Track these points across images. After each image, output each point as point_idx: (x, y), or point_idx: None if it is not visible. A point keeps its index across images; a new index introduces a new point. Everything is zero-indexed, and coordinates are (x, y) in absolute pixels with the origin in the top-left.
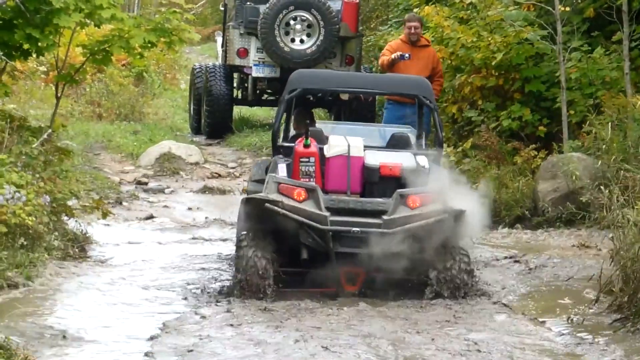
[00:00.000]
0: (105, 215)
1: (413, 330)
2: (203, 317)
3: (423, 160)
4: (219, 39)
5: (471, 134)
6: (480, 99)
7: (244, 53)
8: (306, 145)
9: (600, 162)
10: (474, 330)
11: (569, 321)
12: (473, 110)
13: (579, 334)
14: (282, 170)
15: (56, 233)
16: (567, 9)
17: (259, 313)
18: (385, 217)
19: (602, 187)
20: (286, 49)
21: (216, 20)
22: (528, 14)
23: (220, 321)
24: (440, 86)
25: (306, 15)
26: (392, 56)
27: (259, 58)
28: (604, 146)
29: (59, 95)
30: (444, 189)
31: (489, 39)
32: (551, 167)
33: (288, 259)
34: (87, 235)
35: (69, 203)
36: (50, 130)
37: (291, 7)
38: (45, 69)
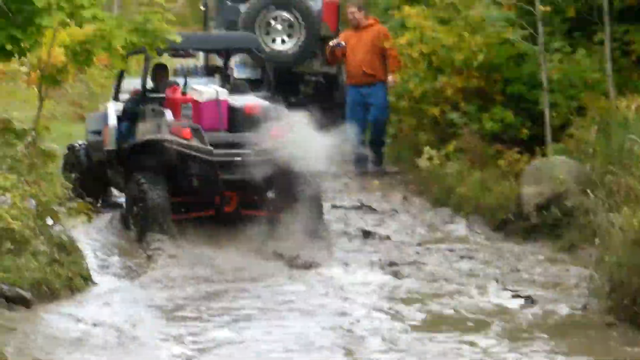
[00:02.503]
0: (90, 219)
1: None
2: None
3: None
4: None
5: (454, 137)
6: (462, 101)
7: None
8: (184, 93)
9: (584, 165)
10: None
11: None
12: (455, 112)
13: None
14: (168, 114)
15: (42, 237)
16: (548, 9)
17: None
18: (256, 147)
19: (587, 191)
20: (267, 49)
21: (196, 20)
22: (509, 14)
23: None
24: (396, 59)
25: (287, 15)
26: (330, 43)
27: (240, 59)
28: (588, 149)
29: (42, 96)
30: (297, 123)
31: (470, 39)
32: (535, 171)
33: (177, 191)
34: (73, 239)
35: (54, 207)
36: (34, 133)
37: (271, 7)
38: (27, 70)
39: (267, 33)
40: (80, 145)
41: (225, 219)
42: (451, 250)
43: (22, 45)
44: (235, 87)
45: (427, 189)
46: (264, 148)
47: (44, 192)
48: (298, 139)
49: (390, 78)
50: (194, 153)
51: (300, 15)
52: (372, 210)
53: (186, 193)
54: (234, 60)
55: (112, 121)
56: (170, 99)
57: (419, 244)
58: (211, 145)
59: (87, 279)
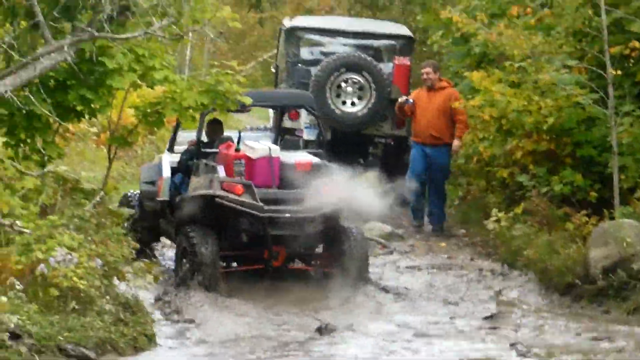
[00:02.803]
0: (156, 279)
1: None
2: None
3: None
4: None
5: (522, 199)
6: (532, 164)
7: (295, 115)
8: (237, 150)
9: None
10: None
11: None
12: (524, 175)
13: None
14: (221, 171)
15: (108, 297)
16: (619, 72)
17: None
18: (306, 204)
19: None
20: (337, 111)
21: (267, 82)
22: (580, 78)
23: None
24: (463, 124)
25: (357, 77)
26: (399, 100)
27: (310, 120)
28: None
29: (111, 157)
30: (344, 180)
31: (540, 102)
32: (603, 233)
33: (227, 244)
34: (138, 299)
35: (120, 266)
36: (102, 193)
37: (342, 69)
38: (97, 131)
39: (338, 95)
40: (133, 194)
41: (273, 273)
42: (513, 312)
43: (93, 106)
44: (287, 143)
45: (494, 251)
46: (313, 205)
47: (111, 252)
48: (348, 195)
49: (455, 142)
50: (244, 209)
51: (370, 77)
52: (434, 271)
53: (236, 247)
54: (304, 122)
55: (167, 172)
56: (223, 155)
57: (485, 307)
58: (262, 201)
59: (151, 339)
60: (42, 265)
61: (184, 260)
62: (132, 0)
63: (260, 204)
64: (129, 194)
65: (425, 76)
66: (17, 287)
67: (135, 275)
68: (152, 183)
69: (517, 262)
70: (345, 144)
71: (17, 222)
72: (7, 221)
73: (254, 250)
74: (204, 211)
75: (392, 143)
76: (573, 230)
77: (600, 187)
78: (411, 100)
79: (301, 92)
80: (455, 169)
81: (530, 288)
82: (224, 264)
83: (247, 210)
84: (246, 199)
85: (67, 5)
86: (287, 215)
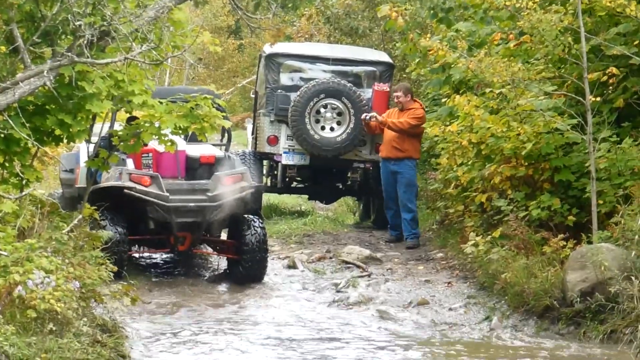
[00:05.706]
0: (134, 301)
1: None
2: None
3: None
4: (249, 126)
5: (500, 224)
6: (510, 189)
7: (274, 140)
8: (145, 144)
9: (629, 252)
10: None
11: None
12: (502, 199)
13: None
14: (130, 163)
15: (85, 319)
16: (598, 99)
17: None
18: (209, 193)
19: (631, 278)
20: (316, 136)
21: (245, 108)
22: (558, 102)
23: None
24: (401, 123)
25: (337, 103)
26: (362, 116)
27: (289, 146)
28: (633, 237)
29: (90, 180)
30: (245, 170)
31: (519, 128)
32: (580, 257)
33: (136, 229)
34: (115, 321)
35: (98, 289)
36: (80, 216)
37: (322, 95)
38: None
39: (317, 121)
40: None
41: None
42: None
43: (72, 130)
44: (194, 136)
45: (472, 274)
46: (216, 194)
47: (88, 274)
48: (245, 187)
49: (379, 117)
50: (151, 199)
51: (350, 103)
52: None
53: (144, 232)
54: (282, 147)
55: (84, 161)
56: None
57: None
58: (168, 191)
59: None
60: (19, 287)
61: None
62: (113, 25)
63: (166, 194)
64: (54, 193)
65: (396, 99)
66: None
67: (113, 298)
68: (71, 171)
69: (494, 285)
70: (324, 169)
71: None
72: None
73: (162, 235)
74: (114, 200)
75: (371, 168)
76: (550, 254)
77: (578, 212)
78: (374, 113)
79: (208, 90)
80: (433, 193)
81: (505, 312)
82: (133, 247)
83: (154, 200)
84: (153, 189)
85: (47, 30)
86: (192, 204)
